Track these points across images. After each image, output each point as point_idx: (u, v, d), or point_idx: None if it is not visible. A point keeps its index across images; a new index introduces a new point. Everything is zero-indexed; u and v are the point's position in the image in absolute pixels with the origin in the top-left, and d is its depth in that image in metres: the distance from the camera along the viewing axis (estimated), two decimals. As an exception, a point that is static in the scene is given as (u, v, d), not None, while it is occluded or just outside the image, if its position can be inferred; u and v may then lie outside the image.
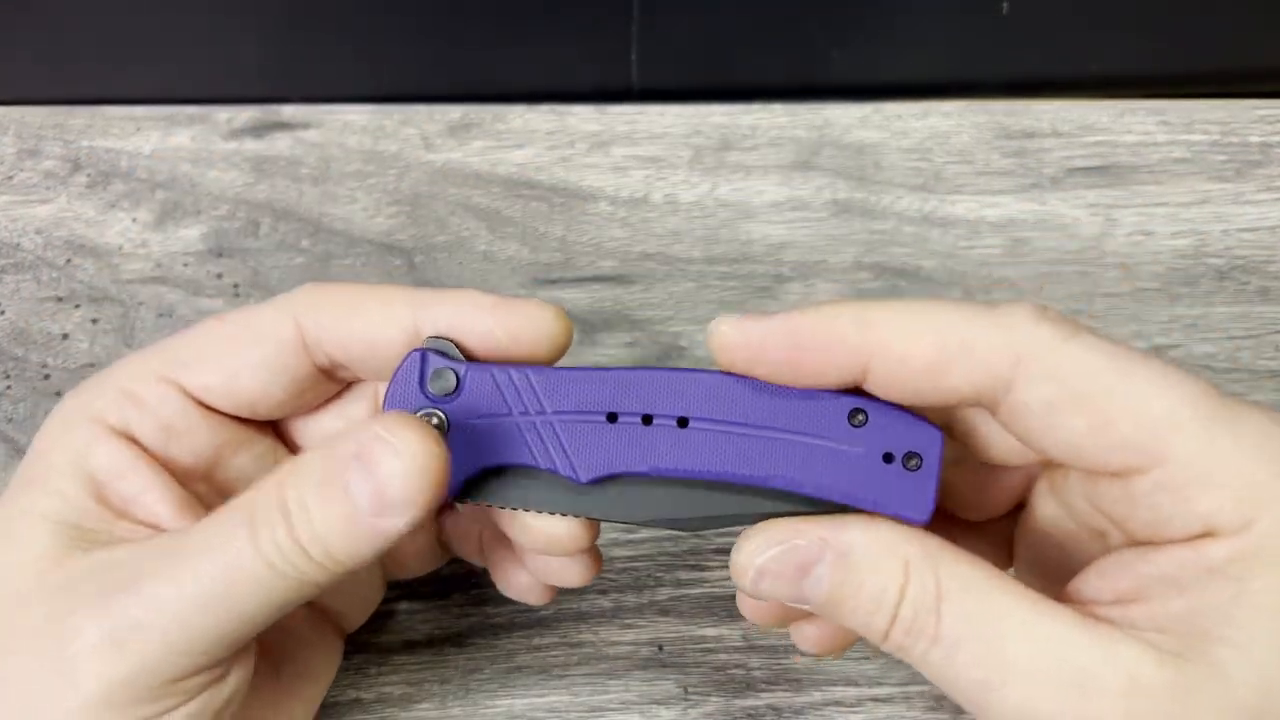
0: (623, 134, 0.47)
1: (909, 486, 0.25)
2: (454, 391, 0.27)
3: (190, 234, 0.44)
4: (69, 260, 0.44)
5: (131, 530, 0.27)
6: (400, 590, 0.36)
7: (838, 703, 0.34)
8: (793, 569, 0.24)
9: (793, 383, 0.25)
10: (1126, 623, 0.23)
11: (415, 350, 0.27)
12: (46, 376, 0.41)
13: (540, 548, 0.28)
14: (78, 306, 0.42)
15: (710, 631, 0.35)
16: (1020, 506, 0.29)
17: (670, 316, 0.42)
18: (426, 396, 0.27)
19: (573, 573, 0.29)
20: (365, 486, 0.24)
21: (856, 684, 0.34)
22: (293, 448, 0.31)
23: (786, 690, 0.34)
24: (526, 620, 0.36)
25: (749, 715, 0.34)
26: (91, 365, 0.41)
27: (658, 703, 0.34)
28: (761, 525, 0.25)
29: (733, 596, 0.36)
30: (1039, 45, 0.50)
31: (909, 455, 0.25)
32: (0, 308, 0.42)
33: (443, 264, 0.44)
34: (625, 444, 0.26)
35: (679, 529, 0.27)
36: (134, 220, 0.45)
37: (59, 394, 0.40)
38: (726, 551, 0.27)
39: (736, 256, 0.44)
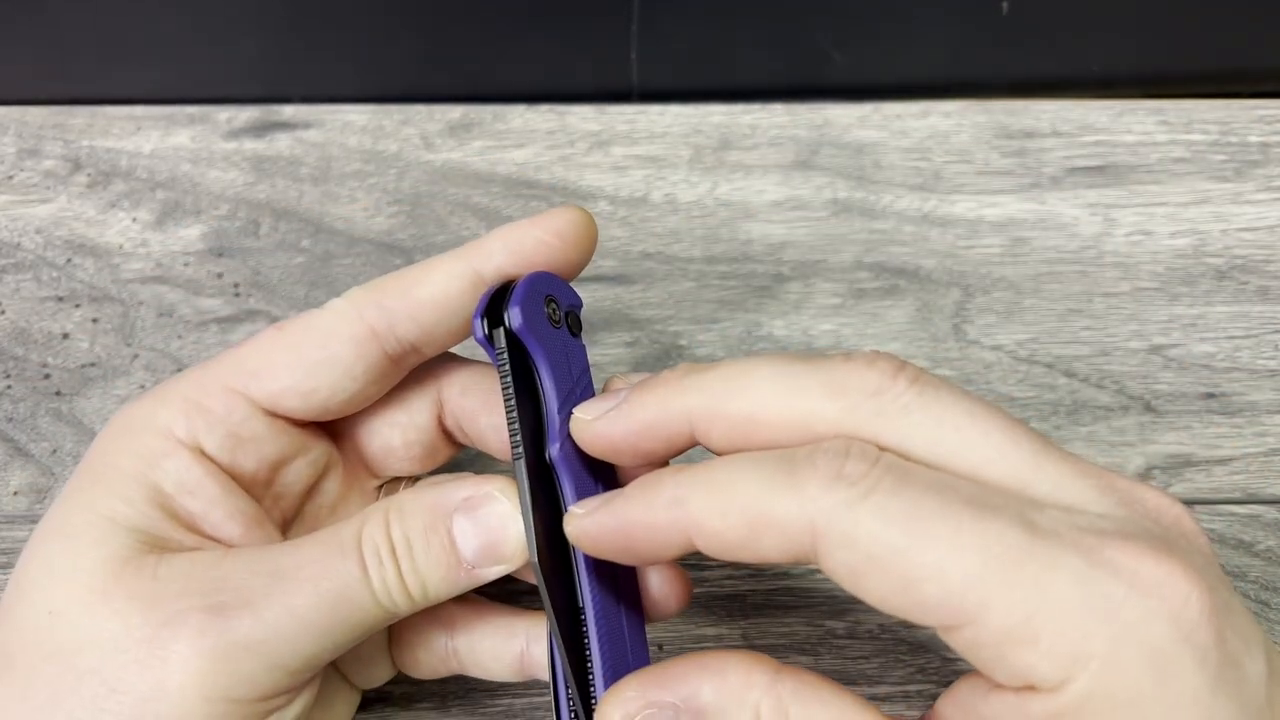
0: (623, 134, 0.47)
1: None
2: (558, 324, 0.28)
3: (190, 234, 0.44)
4: (69, 260, 0.44)
5: (199, 543, 0.27)
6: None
7: (837, 702, 0.34)
8: None
9: (637, 561, 0.26)
10: None
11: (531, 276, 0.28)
12: (47, 376, 0.41)
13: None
14: (78, 306, 0.42)
15: (710, 631, 0.35)
16: None
17: (670, 316, 0.43)
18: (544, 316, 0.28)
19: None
20: (474, 540, 0.26)
21: (856, 683, 0.35)
22: (344, 448, 0.31)
23: (786, 689, 0.34)
24: (526, 620, 0.36)
25: (749, 714, 0.34)
26: (92, 365, 0.41)
27: (657, 702, 0.34)
28: (612, 693, 0.25)
29: (732, 596, 0.36)
30: (1039, 45, 0.50)
31: None
32: (0, 307, 0.43)
33: (443, 264, 0.44)
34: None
35: None
36: (134, 220, 0.45)
37: (59, 393, 0.40)
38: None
39: (736, 256, 0.44)
